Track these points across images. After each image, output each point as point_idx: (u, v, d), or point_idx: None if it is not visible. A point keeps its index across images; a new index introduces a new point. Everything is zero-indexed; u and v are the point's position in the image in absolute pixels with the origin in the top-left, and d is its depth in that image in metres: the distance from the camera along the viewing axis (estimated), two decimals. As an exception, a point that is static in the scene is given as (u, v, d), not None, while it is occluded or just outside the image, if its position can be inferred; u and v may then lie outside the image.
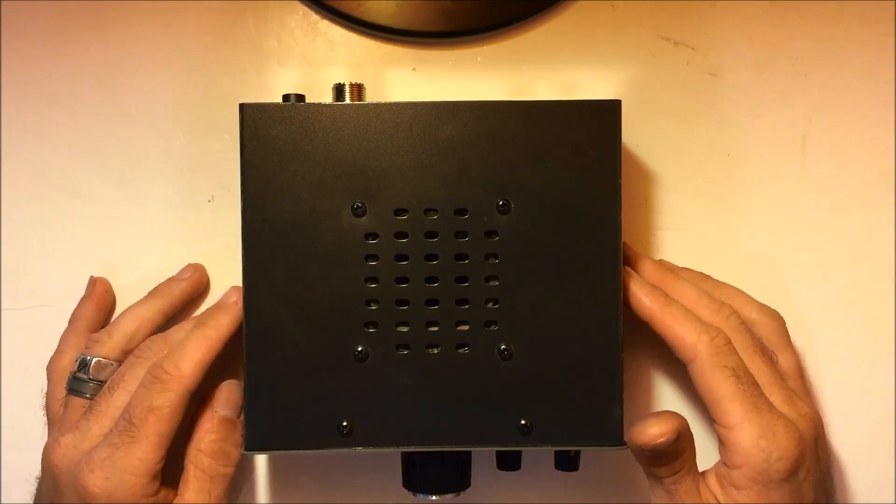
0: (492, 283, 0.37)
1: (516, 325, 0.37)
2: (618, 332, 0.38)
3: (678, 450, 0.37)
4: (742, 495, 0.37)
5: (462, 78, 0.47)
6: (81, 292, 0.46)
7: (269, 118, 0.38)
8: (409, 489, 0.42)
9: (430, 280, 0.37)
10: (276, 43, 0.48)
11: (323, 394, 0.37)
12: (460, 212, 0.37)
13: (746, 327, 0.41)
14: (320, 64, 0.48)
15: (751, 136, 0.47)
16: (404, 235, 0.37)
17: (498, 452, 0.42)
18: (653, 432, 0.36)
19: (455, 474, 0.41)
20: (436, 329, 0.37)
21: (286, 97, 0.39)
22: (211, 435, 0.40)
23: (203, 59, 0.47)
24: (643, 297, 0.40)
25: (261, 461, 0.48)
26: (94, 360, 0.42)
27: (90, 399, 0.41)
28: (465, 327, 0.38)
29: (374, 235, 0.37)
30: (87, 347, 0.43)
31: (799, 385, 0.42)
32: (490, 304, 0.38)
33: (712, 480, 0.39)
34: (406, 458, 0.42)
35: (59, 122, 0.47)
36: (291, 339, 0.37)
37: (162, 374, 0.39)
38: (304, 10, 0.48)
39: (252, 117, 0.38)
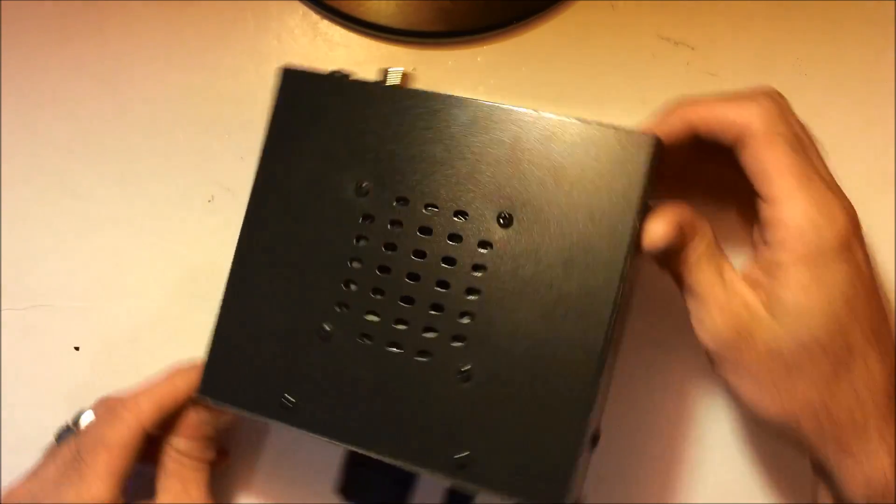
0: (472, 296, 0.35)
1: (484, 348, 0.34)
2: (593, 389, 0.33)
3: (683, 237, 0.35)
4: (790, 274, 0.33)
5: (462, 78, 0.47)
6: (81, 292, 0.46)
7: (307, 86, 0.38)
8: (340, 493, 0.39)
9: (412, 277, 0.36)
10: (276, 43, 0.48)
11: (279, 361, 0.36)
12: (460, 214, 0.36)
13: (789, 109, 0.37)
14: (320, 64, 0.48)
15: (751, 136, 0.47)
16: (399, 224, 0.36)
17: (449, 489, 0.39)
18: (658, 232, 0.33)
19: (392, 490, 0.38)
20: (403, 328, 0.35)
21: (333, 73, 0.39)
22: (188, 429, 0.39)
23: (203, 59, 0.47)
24: (670, 110, 0.37)
25: (259, 461, 0.48)
26: (88, 411, 0.40)
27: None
28: (433, 335, 0.35)
29: (371, 218, 0.36)
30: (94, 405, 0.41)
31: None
32: (464, 319, 0.35)
33: (751, 268, 0.35)
34: (347, 458, 0.39)
35: (59, 122, 0.47)
36: (267, 295, 0.36)
37: (118, 408, 0.38)
38: (304, 10, 0.48)
39: (291, 81, 0.38)
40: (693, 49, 0.48)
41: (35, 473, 0.39)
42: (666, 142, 0.34)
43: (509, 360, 0.34)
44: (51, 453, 0.40)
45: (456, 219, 0.36)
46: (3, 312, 0.47)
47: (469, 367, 0.34)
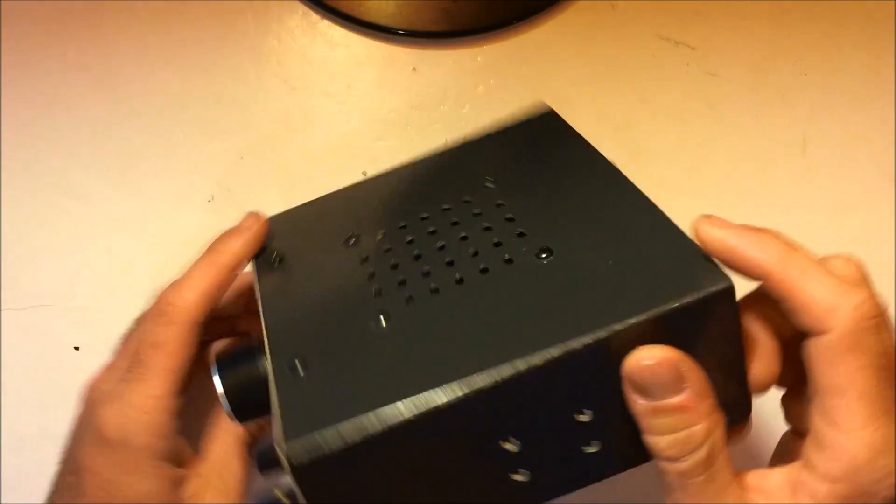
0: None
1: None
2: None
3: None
4: None
5: (462, 78, 0.47)
6: (81, 292, 0.46)
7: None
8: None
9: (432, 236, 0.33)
10: (276, 43, 0.48)
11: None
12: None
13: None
14: (320, 64, 0.48)
15: (750, 136, 0.47)
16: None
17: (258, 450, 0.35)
18: (640, 354, 0.29)
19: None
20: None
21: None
22: None
23: (203, 59, 0.47)
24: (753, 240, 0.29)
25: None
26: None
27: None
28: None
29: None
30: None
31: None
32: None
33: (773, 483, 0.30)
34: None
35: (59, 122, 0.47)
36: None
37: (165, 306, 0.36)
38: (304, 9, 0.48)
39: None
40: (693, 49, 0.48)
41: (112, 365, 0.38)
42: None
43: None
44: (124, 341, 0.39)
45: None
46: (3, 312, 0.47)
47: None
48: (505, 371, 0.27)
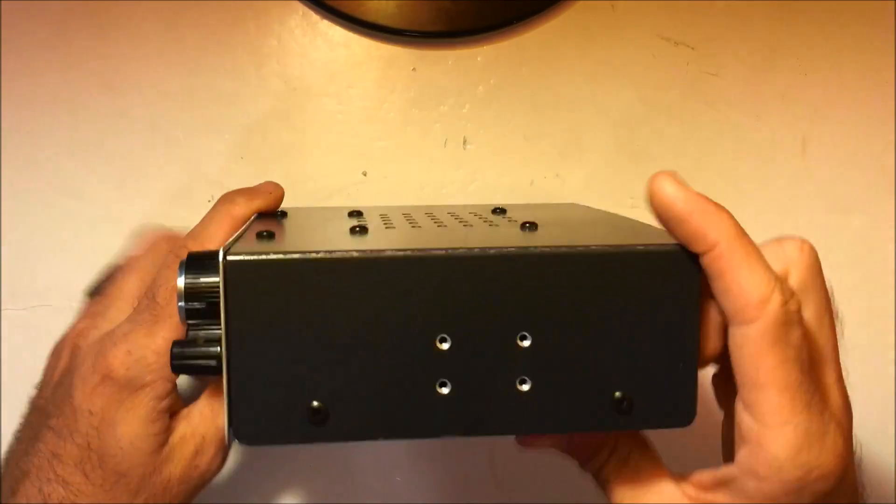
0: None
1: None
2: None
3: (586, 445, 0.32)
4: None
5: (462, 78, 0.47)
6: (81, 292, 0.46)
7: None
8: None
9: None
10: (276, 43, 0.48)
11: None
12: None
13: (825, 278, 0.31)
14: (320, 64, 0.48)
15: (750, 136, 0.47)
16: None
17: None
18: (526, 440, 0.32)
19: None
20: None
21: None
22: None
23: (203, 59, 0.47)
24: (710, 212, 0.28)
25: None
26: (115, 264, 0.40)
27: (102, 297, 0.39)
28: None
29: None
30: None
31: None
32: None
33: (708, 481, 0.30)
34: None
35: (59, 122, 0.47)
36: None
37: (177, 251, 0.36)
38: (304, 9, 0.48)
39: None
40: (693, 49, 0.48)
41: (96, 313, 0.38)
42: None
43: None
44: (90, 303, 0.40)
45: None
46: (3, 312, 0.47)
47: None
48: (458, 252, 0.28)
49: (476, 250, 0.28)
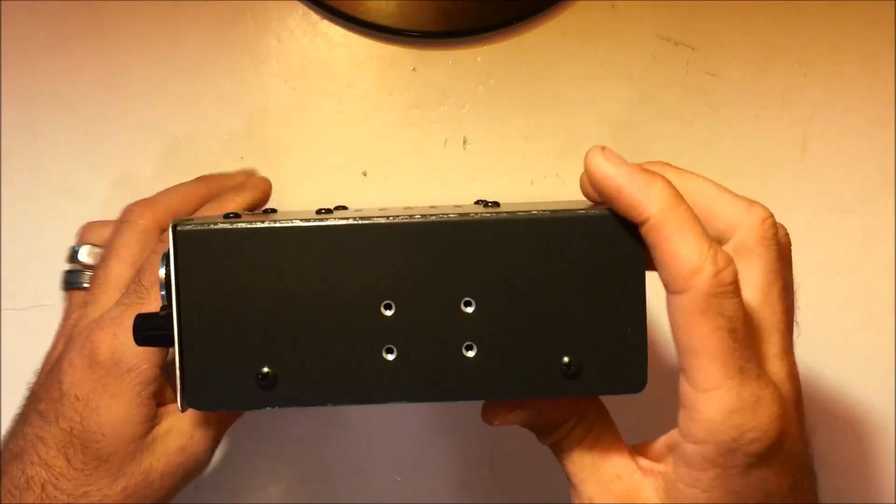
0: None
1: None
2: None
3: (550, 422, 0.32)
4: (694, 477, 0.29)
5: (462, 78, 0.47)
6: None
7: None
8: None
9: None
10: (276, 42, 0.48)
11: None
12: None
13: (783, 242, 0.31)
14: (320, 64, 0.48)
15: (750, 136, 0.47)
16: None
17: None
18: (508, 419, 0.32)
19: None
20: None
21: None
22: None
23: (203, 59, 0.47)
24: (641, 184, 0.28)
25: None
26: (86, 247, 0.41)
27: (88, 287, 0.39)
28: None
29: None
30: (77, 238, 0.42)
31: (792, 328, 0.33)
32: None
33: (659, 449, 0.31)
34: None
35: (59, 122, 0.47)
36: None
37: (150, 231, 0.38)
38: (303, 9, 0.48)
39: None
40: (693, 49, 0.48)
41: (75, 307, 0.39)
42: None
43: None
44: (72, 298, 0.40)
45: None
46: (3, 312, 0.47)
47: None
48: (399, 220, 0.29)
49: (417, 217, 0.29)
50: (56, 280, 0.47)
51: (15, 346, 0.47)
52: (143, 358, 0.35)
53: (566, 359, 0.29)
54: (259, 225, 0.29)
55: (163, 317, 0.30)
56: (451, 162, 0.48)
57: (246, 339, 0.29)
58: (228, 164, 0.47)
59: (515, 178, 0.48)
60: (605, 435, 0.32)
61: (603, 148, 0.31)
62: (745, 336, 0.28)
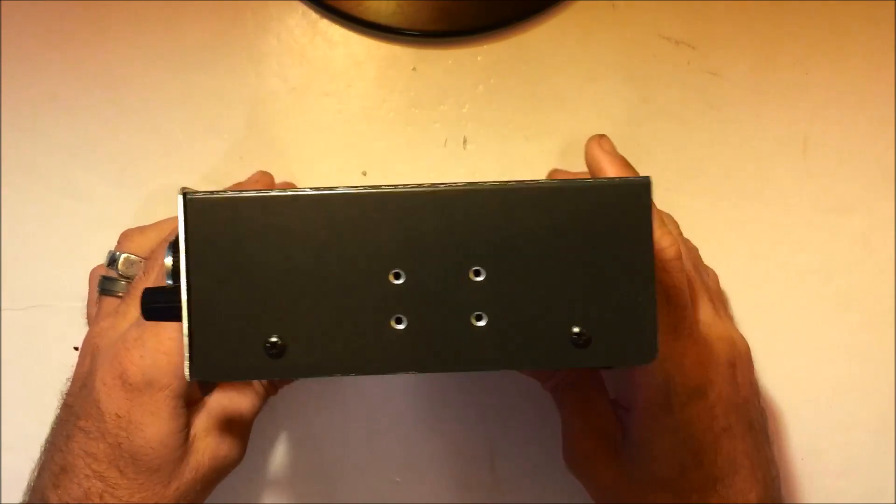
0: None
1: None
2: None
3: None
4: (637, 417, 0.36)
5: (462, 78, 0.47)
6: (81, 292, 0.46)
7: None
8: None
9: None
10: (276, 42, 0.48)
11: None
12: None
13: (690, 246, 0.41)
14: (320, 63, 0.48)
15: (751, 136, 0.47)
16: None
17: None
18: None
19: None
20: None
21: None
22: None
23: (203, 59, 0.47)
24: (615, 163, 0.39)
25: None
26: (123, 256, 0.41)
27: (122, 297, 0.41)
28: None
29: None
30: (118, 243, 0.42)
31: (721, 304, 0.41)
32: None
33: (627, 396, 0.37)
34: None
35: (59, 122, 0.47)
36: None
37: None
38: (303, 9, 0.48)
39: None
40: (694, 48, 0.48)
41: (108, 313, 0.40)
42: None
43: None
44: (105, 304, 0.41)
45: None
46: (3, 312, 0.47)
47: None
48: (409, 188, 0.28)
49: (426, 185, 0.28)
50: (56, 280, 0.47)
51: (15, 346, 0.47)
52: (172, 375, 0.37)
53: (576, 329, 0.29)
54: (268, 193, 0.29)
55: (171, 289, 0.30)
56: (451, 162, 0.48)
57: (254, 309, 0.29)
58: (228, 164, 0.47)
59: (515, 178, 0.47)
60: (592, 382, 0.39)
61: (602, 137, 0.42)
62: (678, 303, 0.34)
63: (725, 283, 0.45)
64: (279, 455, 0.48)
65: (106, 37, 0.47)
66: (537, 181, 0.29)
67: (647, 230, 0.29)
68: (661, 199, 0.48)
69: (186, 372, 0.29)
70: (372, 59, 0.48)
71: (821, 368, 0.47)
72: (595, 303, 0.29)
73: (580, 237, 0.29)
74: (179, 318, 0.29)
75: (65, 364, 0.46)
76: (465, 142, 0.48)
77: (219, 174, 0.47)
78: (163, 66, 0.47)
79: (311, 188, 0.29)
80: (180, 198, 0.28)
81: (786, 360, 0.47)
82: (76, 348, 0.47)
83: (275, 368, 0.29)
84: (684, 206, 0.47)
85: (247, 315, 0.29)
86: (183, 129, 0.47)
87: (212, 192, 0.29)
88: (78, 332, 0.47)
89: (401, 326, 0.29)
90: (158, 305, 0.31)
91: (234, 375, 0.29)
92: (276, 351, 0.29)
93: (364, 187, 0.29)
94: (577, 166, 0.48)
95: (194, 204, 0.28)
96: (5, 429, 0.47)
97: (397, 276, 0.29)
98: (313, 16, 0.48)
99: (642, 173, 0.47)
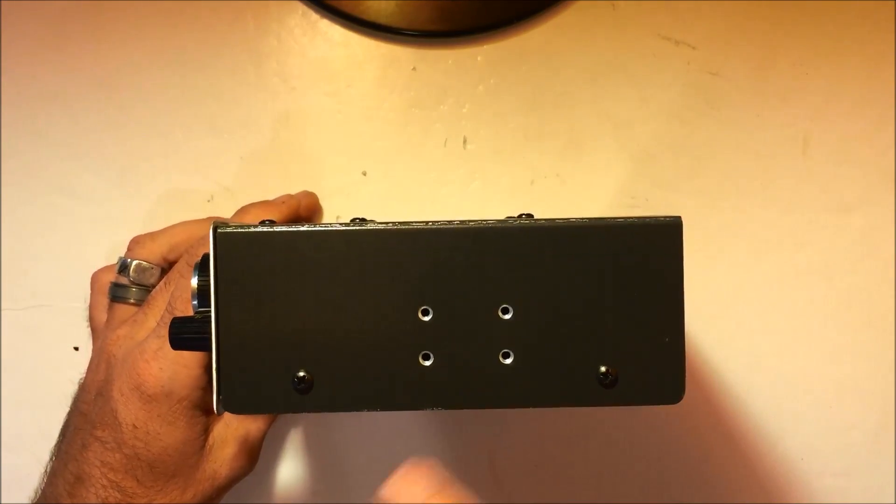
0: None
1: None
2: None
3: None
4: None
5: (462, 77, 0.47)
6: (81, 292, 0.46)
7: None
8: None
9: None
10: (276, 42, 0.48)
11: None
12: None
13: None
14: (320, 63, 0.48)
15: (751, 136, 0.47)
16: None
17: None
18: None
19: None
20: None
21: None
22: None
23: (203, 59, 0.47)
24: None
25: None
26: (135, 262, 0.41)
27: (134, 304, 0.41)
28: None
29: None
30: (129, 250, 0.43)
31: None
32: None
33: None
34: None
35: (59, 122, 0.47)
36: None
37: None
38: (303, 9, 0.48)
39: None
40: (694, 49, 0.48)
41: (122, 321, 0.40)
42: None
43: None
44: (117, 310, 0.41)
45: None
46: (3, 312, 0.47)
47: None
48: (439, 225, 0.29)
49: (456, 223, 0.29)
50: (56, 280, 0.47)
51: (15, 346, 0.47)
52: (191, 386, 0.37)
53: (603, 368, 0.29)
54: (298, 228, 0.29)
55: (199, 320, 0.30)
56: (451, 161, 0.48)
57: (283, 343, 0.29)
58: (228, 164, 0.47)
59: (515, 178, 0.48)
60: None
61: None
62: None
63: (725, 283, 0.45)
64: (279, 455, 0.48)
65: (106, 37, 0.47)
66: (567, 219, 0.29)
67: (678, 270, 0.29)
68: (662, 198, 0.48)
69: (215, 406, 0.29)
70: (372, 59, 0.48)
71: (821, 368, 0.47)
72: (623, 342, 0.29)
73: (609, 276, 0.29)
74: (207, 349, 0.29)
75: (65, 364, 0.46)
76: (465, 142, 0.48)
77: (218, 174, 0.47)
78: (163, 66, 0.47)
79: (340, 223, 0.29)
80: (211, 231, 0.29)
81: (786, 360, 0.47)
82: (76, 348, 0.47)
83: (302, 403, 0.29)
84: (684, 206, 0.47)
85: (275, 349, 0.29)
86: (183, 129, 0.47)
87: (243, 227, 0.29)
88: (78, 332, 0.47)
89: (428, 363, 0.29)
90: (186, 336, 0.31)
91: (262, 409, 0.30)
92: (304, 385, 0.29)
93: (394, 223, 0.29)
94: (577, 166, 0.48)
95: (226, 238, 0.29)
96: (5, 429, 0.47)
97: (426, 313, 0.29)
98: (313, 16, 0.48)
99: (642, 173, 0.47)
